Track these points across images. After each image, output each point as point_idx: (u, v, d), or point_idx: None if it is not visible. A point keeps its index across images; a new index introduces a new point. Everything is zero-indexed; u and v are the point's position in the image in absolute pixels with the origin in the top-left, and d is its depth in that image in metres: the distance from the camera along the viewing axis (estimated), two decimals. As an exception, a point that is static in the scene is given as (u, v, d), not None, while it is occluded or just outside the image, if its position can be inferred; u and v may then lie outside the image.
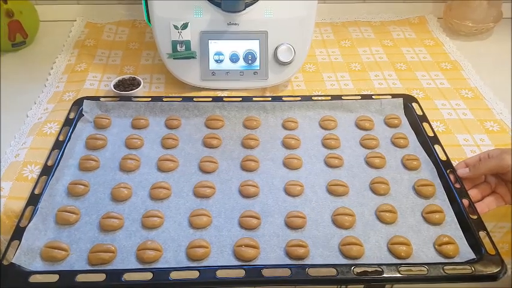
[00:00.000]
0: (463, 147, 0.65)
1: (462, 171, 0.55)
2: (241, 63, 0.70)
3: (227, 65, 0.70)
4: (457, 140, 0.66)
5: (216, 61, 0.70)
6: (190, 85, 0.71)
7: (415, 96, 0.71)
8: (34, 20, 0.85)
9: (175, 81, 0.72)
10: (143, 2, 0.69)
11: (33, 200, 0.53)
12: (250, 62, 0.70)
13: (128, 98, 0.67)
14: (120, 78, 0.71)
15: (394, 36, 0.90)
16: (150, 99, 0.67)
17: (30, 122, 0.67)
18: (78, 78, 0.76)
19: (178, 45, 0.68)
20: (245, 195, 0.55)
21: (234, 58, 0.70)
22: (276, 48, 0.69)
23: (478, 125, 0.69)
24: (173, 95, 0.72)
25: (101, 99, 0.67)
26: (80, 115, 0.65)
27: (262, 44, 0.69)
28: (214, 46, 0.69)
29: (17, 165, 0.58)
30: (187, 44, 0.68)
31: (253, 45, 0.69)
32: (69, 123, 0.64)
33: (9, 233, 0.50)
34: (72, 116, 0.65)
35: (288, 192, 0.55)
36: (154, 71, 0.78)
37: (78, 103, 0.66)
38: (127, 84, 0.70)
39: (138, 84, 0.70)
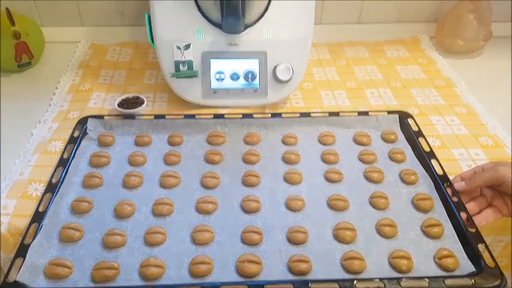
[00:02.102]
0: (459, 161, 0.66)
1: (458, 185, 0.57)
2: (241, 81, 0.72)
3: (228, 83, 0.72)
4: (452, 154, 0.67)
5: (217, 80, 0.72)
6: (193, 103, 0.73)
7: (410, 112, 0.73)
8: (40, 41, 0.87)
9: (178, 99, 0.74)
10: (147, 24, 0.71)
11: (38, 217, 0.53)
12: (250, 80, 0.72)
13: (132, 116, 0.69)
14: (124, 97, 0.72)
15: (388, 55, 0.93)
16: (153, 117, 0.69)
17: (35, 141, 0.68)
18: (83, 98, 0.77)
19: (181, 65, 0.71)
20: (247, 211, 0.55)
21: (234, 77, 0.72)
22: (275, 67, 0.71)
23: (472, 140, 0.70)
24: (175, 112, 0.73)
25: (105, 117, 0.69)
26: (84, 133, 0.66)
27: (261, 63, 0.71)
28: (215, 65, 0.71)
29: (22, 183, 0.59)
30: (189, 63, 0.71)
31: (253, 65, 0.71)
32: (73, 141, 0.65)
33: (12, 252, 0.51)
34: (76, 134, 0.66)
35: (289, 207, 0.56)
36: (157, 90, 0.80)
37: (82, 122, 0.68)
38: (131, 103, 0.71)
39: (142, 103, 0.71)
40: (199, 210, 0.55)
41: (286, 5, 0.71)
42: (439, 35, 0.96)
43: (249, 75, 0.72)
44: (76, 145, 0.64)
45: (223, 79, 0.72)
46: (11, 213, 0.55)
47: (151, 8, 0.70)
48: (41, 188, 0.58)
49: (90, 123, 0.67)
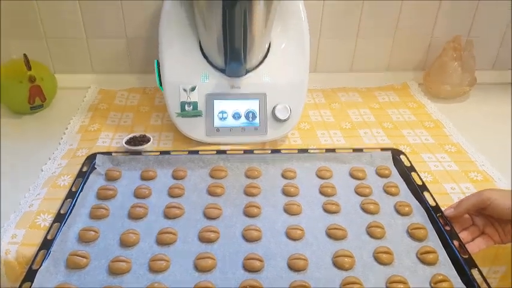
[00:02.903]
0: (451, 195, 0.69)
1: (447, 211, 0.60)
2: (242, 120, 0.77)
3: (230, 122, 0.77)
4: (444, 188, 0.70)
5: (220, 119, 0.77)
6: (197, 141, 0.77)
7: (403, 150, 0.77)
8: (53, 85, 0.92)
9: (183, 137, 0.78)
10: (156, 69, 0.77)
11: (46, 244, 0.55)
12: (251, 119, 0.77)
13: (138, 153, 0.73)
14: (131, 135, 0.76)
15: (379, 100, 0.99)
16: (158, 153, 0.72)
17: (45, 176, 0.71)
18: (91, 137, 0.81)
19: (186, 105, 0.76)
20: (248, 239, 0.57)
21: (236, 116, 0.77)
22: (274, 107, 0.76)
23: (463, 176, 0.74)
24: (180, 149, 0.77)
25: (113, 154, 0.72)
26: (93, 168, 0.69)
27: (261, 104, 0.77)
28: (218, 106, 0.76)
29: (31, 215, 0.61)
30: (194, 104, 0.76)
31: (254, 105, 0.77)
32: (82, 176, 0.68)
33: (18, 279, 0.52)
34: (85, 169, 0.69)
35: (289, 236, 0.58)
36: (163, 129, 0.84)
37: (91, 157, 0.71)
38: (137, 141, 0.75)
39: (148, 141, 0.75)
40: (202, 239, 0.57)
41: (283, 52, 0.79)
42: (426, 81, 1.03)
43: (250, 115, 0.77)
44: (84, 179, 0.67)
45: (225, 118, 0.77)
46: (19, 242, 0.57)
47: (160, 55, 0.76)
48: (49, 218, 0.60)
49: (99, 159, 0.71)
